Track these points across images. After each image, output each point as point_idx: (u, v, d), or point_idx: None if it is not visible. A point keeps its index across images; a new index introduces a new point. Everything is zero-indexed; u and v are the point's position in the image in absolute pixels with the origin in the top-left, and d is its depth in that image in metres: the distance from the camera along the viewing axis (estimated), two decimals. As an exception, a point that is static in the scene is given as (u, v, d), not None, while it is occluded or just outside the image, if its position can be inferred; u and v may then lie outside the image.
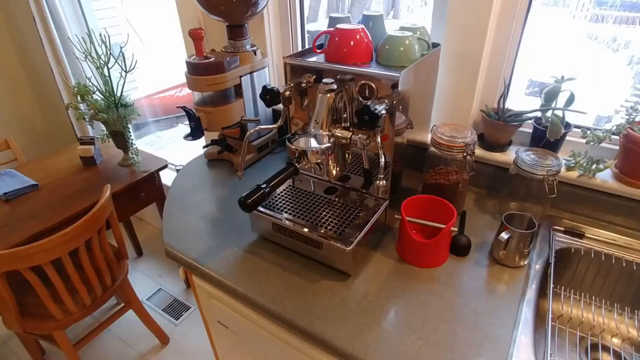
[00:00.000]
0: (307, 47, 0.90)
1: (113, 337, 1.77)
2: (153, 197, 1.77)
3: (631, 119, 0.86)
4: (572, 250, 0.88)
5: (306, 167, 0.79)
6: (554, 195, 0.84)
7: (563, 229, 0.91)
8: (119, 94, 1.57)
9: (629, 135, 0.84)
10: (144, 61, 1.58)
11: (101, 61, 1.49)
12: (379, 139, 0.75)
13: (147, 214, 2.44)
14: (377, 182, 0.75)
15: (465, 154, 0.86)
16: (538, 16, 0.93)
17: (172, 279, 2.07)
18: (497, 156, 1.00)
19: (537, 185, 0.87)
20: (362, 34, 0.79)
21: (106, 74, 1.52)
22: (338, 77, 0.78)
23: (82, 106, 1.60)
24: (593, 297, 0.89)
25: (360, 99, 0.78)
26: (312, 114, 0.78)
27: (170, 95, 3.03)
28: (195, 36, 1.03)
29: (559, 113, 0.91)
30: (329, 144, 0.76)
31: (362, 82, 0.76)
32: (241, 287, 0.79)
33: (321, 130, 0.77)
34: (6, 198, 1.47)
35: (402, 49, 0.77)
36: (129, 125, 1.65)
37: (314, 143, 0.76)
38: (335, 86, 0.76)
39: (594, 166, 0.90)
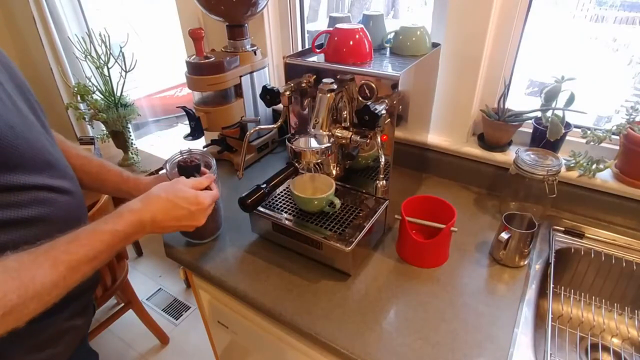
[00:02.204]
0: (307, 47, 0.90)
1: (113, 337, 1.77)
2: (153, 197, 1.77)
3: (631, 119, 0.86)
4: (572, 250, 0.87)
5: (306, 167, 0.79)
6: (554, 195, 0.84)
7: (563, 229, 0.91)
8: (118, 94, 1.57)
9: (629, 135, 0.84)
10: (144, 61, 1.58)
11: (101, 61, 1.49)
12: (379, 139, 0.75)
13: (147, 214, 2.43)
14: (377, 182, 0.75)
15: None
16: (538, 16, 0.93)
17: (172, 279, 2.07)
18: (497, 156, 1.00)
19: (537, 185, 0.87)
20: (361, 33, 0.79)
21: (106, 73, 1.52)
22: (338, 77, 0.78)
23: (82, 106, 1.60)
24: (593, 297, 0.89)
25: (360, 99, 0.78)
26: (312, 114, 0.78)
27: (170, 95, 3.02)
28: (195, 36, 1.03)
29: (559, 113, 0.91)
30: (329, 144, 0.76)
31: (362, 82, 0.76)
32: (241, 287, 0.79)
33: (321, 130, 0.77)
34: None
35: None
36: (129, 125, 1.65)
37: (314, 143, 0.76)
38: (335, 86, 0.76)
39: (594, 166, 0.90)
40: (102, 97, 1.56)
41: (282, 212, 0.85)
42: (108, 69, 1.51)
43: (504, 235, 0.78)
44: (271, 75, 1.33)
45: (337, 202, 0.81)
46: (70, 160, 0.71)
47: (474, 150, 1.03)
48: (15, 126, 0.53)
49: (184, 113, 1.08)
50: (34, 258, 0.47)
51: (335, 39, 0.79)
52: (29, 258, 0.47)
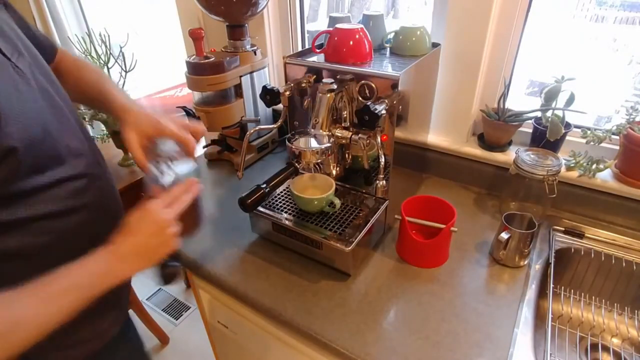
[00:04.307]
0: (307, 47, 0.90)
1: (113, 337, 1.77)
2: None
3: (631, 119, 0.86)
4: (572, 250, 0.87)
5: (306, 167, 0.79)
6: (554, 195, 0.84)
7: (563, 229, 0.91)
8: (119, 94, 1.56)
9: (629, 135, 0.84)
10: (144, 61, 1.58)
11: (101, 61, 1.49)
12: (379, 139, 0.75)
13: (147, 214, 2.43)
14: (377, 182, 0.75)
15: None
16: (538, 16, 0.93)
17: (172, 279, 2.07)
18: (497, 156, 1.00)
19: (537, 185, 0.87)
20: (361, 33, 0.79)
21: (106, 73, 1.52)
22: (338, 77, 0.78)
23: (82, 106, 1.59)
24: (593, 297, 0.89)
25: (360, 99, 0.78)
26: (312, 114, 0.78)
27: (170, 95, 3.02)
28: (195, 36, 1.03)
29: (559, 113, 0.91)
30: (329, 144, 0.76)
31: (362, 82, 0.76)
32: (241, 287, 0.79)
33: (321, 130, 0.77)
34: (6, 198, 1.46)
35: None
36: (129, 125, 1.64)
37: (314, 143, 0.76)
38: (335, 86, 0.76)
39: (594, 166, 0.90)
40: (102, 97, 1.56)
41: (282, 212, 0.85)
42: (108, 69, 1.51)
43: (504, 235, 0.78)
44: (271, 75, 1.33)
45: (337, 202, 0.81)
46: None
47: (474, 150, 1.03)
48: (49, 124, 0.53)
49: (184, 113, 1.08)
50: (19, 291, 0.47)
51: (335, 39, 0.79)
52: (14, 291, 0.46)
